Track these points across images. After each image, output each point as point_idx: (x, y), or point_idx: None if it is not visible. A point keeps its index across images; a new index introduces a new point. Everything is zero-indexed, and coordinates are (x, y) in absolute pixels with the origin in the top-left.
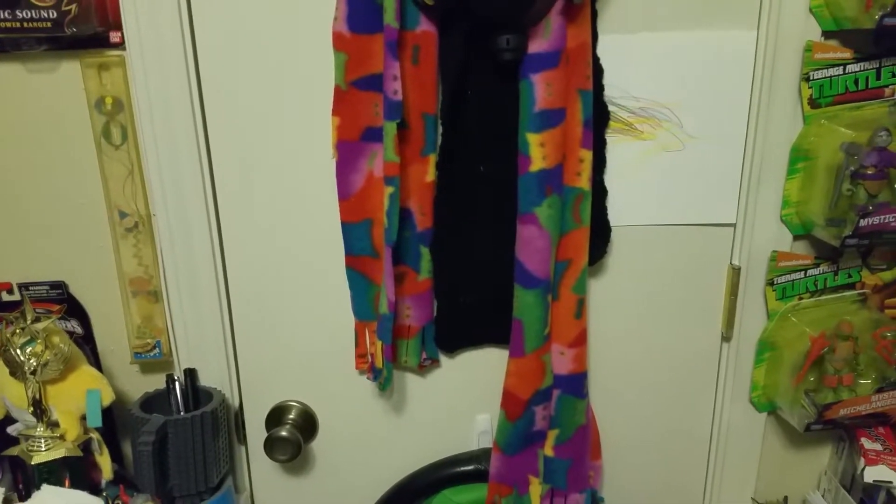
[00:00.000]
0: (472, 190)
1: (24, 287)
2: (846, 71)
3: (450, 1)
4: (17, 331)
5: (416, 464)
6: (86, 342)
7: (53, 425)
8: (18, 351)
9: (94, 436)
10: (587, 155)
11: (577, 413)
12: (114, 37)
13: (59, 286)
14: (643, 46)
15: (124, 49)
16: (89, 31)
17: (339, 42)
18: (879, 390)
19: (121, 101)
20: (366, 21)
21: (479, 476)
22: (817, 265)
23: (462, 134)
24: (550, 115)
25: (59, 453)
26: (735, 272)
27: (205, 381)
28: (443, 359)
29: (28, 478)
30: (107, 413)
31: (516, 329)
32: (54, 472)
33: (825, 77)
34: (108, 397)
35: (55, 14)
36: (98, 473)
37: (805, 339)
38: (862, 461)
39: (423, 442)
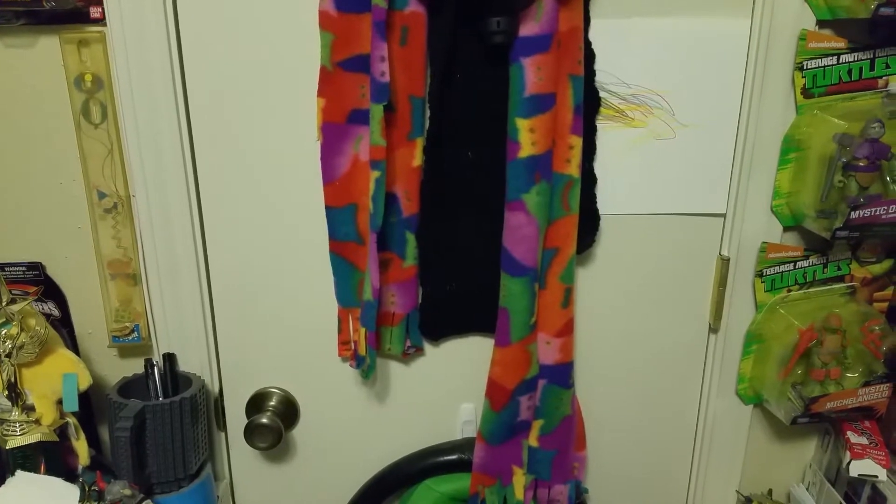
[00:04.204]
0: (460, 175)
1: None
2: (840, 61)
3: None
4: None
5: (399, 453)
6: (63, 325)
7: (29, 409)
8: None
9: (71, 420)
10: (577, 141)
11: (562, 403)
12: (94, 12)
13: (37, 267)
14: (636, 32)
15: (105, 25)
16: (69, 6)
17: (325, 21)
18: (866, 384)
19: (101, 79)
20: (353, 0)
21: (463, 466)
22: (807, 257)
23: (450, 118)
24: (540, 100)
25: (34, 438)
26: (724, 263)
27: (184, 366)
28: (427, 347)
29: (2, 463)
30: (84, 398)
31: (502, 318)
32: (29, 458)
33: (819, 67)
34: (85, 381)
35: None
36: (74, 459)
37: (793, 332)
38: (848, 455)
39: (406, 431)
